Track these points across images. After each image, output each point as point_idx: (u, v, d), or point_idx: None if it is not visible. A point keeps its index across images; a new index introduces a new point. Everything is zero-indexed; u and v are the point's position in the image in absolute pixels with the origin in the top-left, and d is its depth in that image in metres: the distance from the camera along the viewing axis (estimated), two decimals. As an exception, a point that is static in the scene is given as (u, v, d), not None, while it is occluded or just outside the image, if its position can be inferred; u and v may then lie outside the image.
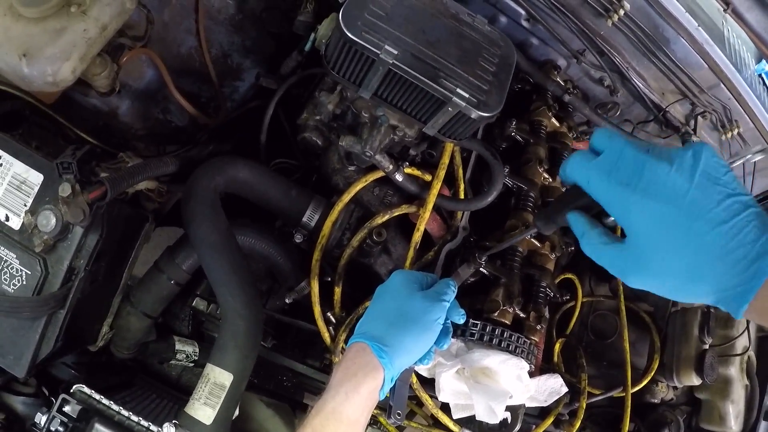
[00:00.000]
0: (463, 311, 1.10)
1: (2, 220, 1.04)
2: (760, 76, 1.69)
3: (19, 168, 1.04)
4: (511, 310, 1.28)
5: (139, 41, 1.22)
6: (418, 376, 1.27)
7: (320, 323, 1.29)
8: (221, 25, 1.46)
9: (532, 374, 1.26)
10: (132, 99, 1.33)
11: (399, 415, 1.09)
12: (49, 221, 0.99)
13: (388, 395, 1.07)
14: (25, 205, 1.03)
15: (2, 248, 1.04)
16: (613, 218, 0.72)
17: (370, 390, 0.95)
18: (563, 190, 1.43)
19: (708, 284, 0.67)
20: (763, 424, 1.76)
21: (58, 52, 0.97)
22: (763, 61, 1.70)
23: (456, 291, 1.10)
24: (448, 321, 1.09)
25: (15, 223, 1.04)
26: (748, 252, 0.64)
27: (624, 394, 1.58)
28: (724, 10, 1.63)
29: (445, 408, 1.28)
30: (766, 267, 0.63)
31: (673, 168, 0.67)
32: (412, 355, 1.02)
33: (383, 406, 1.27)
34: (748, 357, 1.78)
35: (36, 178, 1.03)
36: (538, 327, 1.31)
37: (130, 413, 1.09)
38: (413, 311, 1.03)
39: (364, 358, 0.97)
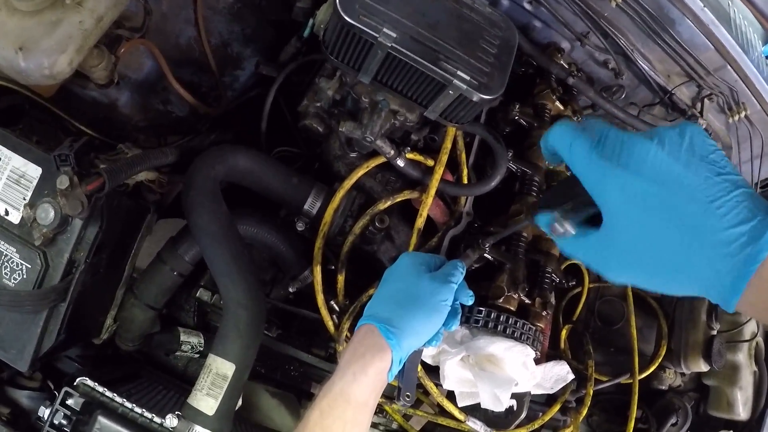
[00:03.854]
0: (471, 292, 1.09)
1: (2, 214, 1.04)
2: (767, 57, 1.67)
3: (17, 162, 1.03)
4: (516, 297, 1.27)
5: (136, 32, 1.21)
6: (423, 364, 1.27)
7: (323, 312, 1.28)
8: (220, 14, 1.45)
9: (538, 361, 1.25)
10: (131, 90, 1.32)
11: (408, 396, 1.08)
12: (47, 214, 0.99)
13: (396, 381, 1.06)
14: (24, 199, 1.03)
15: (2, 242, 1.04)
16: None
17: (378, 371, 0.94)
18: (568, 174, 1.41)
19: (694, 271, 0.61)
20: (772, 410, 1.74)
21: (54, 44, 0.96)
22: (771, 42, 1.68)
23: (464, 272, 1.09)
24: (457, 302, 1.08)
25: (14, 217, 1.04)
26: (739, 234, 0.58)
27: (631, 381, 1.57)
28: (730, -10, 1.61)
29: (451, 396, 1.28)
30: (759, 252, 0.57)
31: (657, 143, 0.62)
32: (421, 337, 1.02)
33: (389, 395, 1.27)
34: (757, 343, 1.76)
35: (34, 171, 1.03)
36: (544, 313, 1.30)
37: (134, 405, 1.08)
38: (421, 292, 1.03)
39: (371, 340, 0.96)
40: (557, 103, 1.49)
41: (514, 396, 1.22)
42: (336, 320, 1.30)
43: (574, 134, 0.69)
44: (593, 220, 0.72)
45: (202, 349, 1.40)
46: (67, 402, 1.06)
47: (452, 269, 1.08)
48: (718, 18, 1.40)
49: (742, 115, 1.59)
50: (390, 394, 1.15)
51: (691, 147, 0.63)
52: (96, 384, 1.09)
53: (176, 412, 1.08)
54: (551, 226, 0.73)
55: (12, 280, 1.04)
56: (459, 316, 1.09)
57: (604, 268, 0.69)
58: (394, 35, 1.04)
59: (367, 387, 0.93)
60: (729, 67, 1.49)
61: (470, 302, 1.10)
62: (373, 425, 1.41)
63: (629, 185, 0.63)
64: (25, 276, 1.03)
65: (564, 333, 1.56)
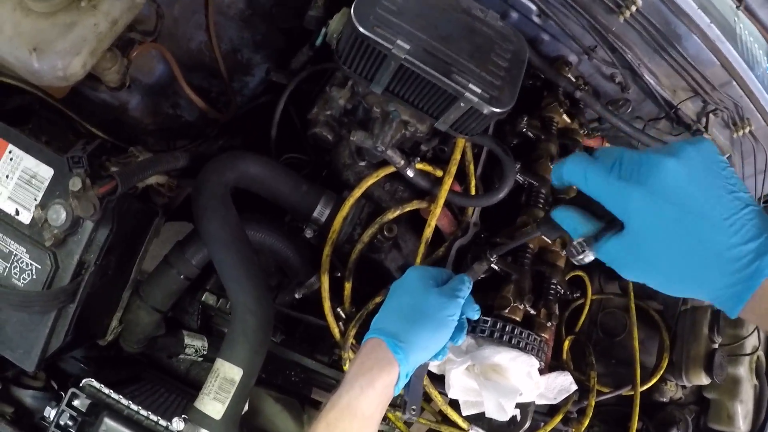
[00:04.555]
0: (477, 307, 1.10)
1: (12, 214, 1.04)
2: (772, 73, 1.68)
3: (29, 162, 1.04)
4: (521, 307, 1.27)
5: (149, 36, 1.22)
6: (428, 372, 1.27)
7: (330, 318, 1.29)
8: (231, 21, 1.46)
9: (541, 372, 1.25)
10: (142, 94, 1.32)
11: (414, 410, 1.09)
12: (59, 215, 0.99)
13: (402, 392, 1.07)
14: (36, 200, 1.03)
15: (12, 242, 1.04)
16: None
17: (385, 385, 0.95)
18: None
19: (704, 281, 0.66)
20: (771, 424, 1.75)
21: (68, 46, 0.97)
22: (776, 59, 1.69)
23: (471, 287, 1.10)
24: (463, 317, 1.09)
25: (25, 218, 1.04)
26: (747, 251, 0.63)
27: (633, 393, 1.57)
28: (737, 7, 1.62)
29: (455, 405, 1.28)
30: (764, 268, 0.62)
31: (675, 161, 0.65)
32: (428, 351, 1.03)
33: (394, 403, 1.28)
34: (758, 357, 1.76)
35: (46, 172, 1.03)
36: (548, 324, 1.30)
37: (140, 407, 1.09)
38: (428, 307, 1.03)
39: (379, 354, 0.97)
40: (564, 116, 1.50)
41: (518, 406, 1.22)
42: (342, 327, 1.30)
43: (587, 164, 0.72)
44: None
45: (205, 352, 1.40)
46: (73, 403, 1.06)
47: (459, 284, 1.09)
48: (725, 34, 1.42)
49: (747, 130, 1.60)
50: (393, 402, 1.15)
51: (703, 165, 0.66)
52: (102, 385, 1.10)
53: (183, 416, 1.08)
54: (568, 251, 0.76)
55: (21, 281, 1.04)
56: (465, 331, 1.10)
57: (621, 269, 0.72)
58: (408, 47, 1.05)
59: (374, 400, 0.94)
60: (734, 82, 1.50)
61: (476, 316, 1.11)
62: (376, 432, 1.42)
63: (649, 201, 0.66)
64: (34, 276, 1.03)
65: (567, 344, 1.56)
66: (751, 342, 1.74)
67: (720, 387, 1.70)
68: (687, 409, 1.77)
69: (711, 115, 1.58)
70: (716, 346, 1.65)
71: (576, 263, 0.76)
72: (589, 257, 0.75)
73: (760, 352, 1.76)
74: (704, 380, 1.63)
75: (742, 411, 1.70)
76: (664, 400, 1.76)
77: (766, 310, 0.64)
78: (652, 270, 0.70)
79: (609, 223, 0.73)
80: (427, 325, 1.01)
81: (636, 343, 1.62)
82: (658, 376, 1.66)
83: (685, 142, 0.67)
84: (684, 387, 1.77)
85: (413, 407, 1.09)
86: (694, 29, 1.39)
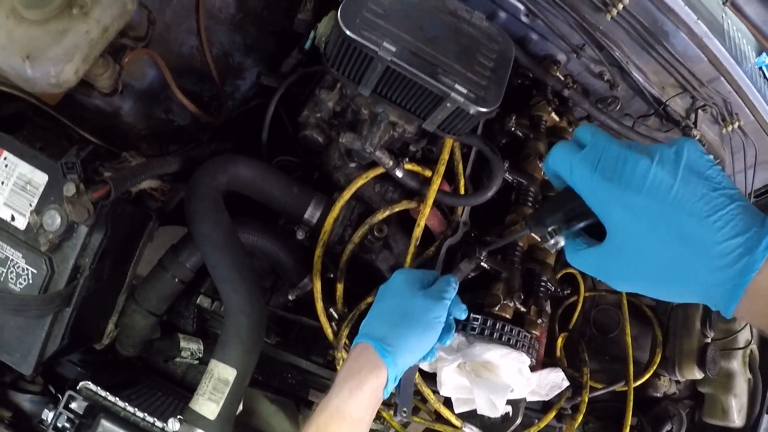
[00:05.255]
0: (464, 306, 1.11)
1: (8, 220, 1.06)
2: (760, 68, 1.69)
3: (24, 168, 1.05)
4: (511, 305, 1.28)
5: (140, 42, 1.23)
6: (420, 371, 1.28)
7: (323, 319, 1.30)
8: (222, 25, 1.47)
9: (533, 368, 1.26)
10: (134, 99, 1.33)
11: (405, 412, 1.10)
12: (54, 221, 1.01)
13: (393, 393, 1.08)
14: (31, 205, 1.04)
15: (8, 248, 1.05)
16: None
17: (374, 388, 0.96)
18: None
19: (693, 281, 0.65)
20: (766, 417, 1.75)
21: (60, 53, 0.98)
22: (764, 54, 1.71)
23: (457, 287, 1.11)
24: (451, 317, 1.10)
25: (21, 223, 1.05)
26: (735, 245, 0.62)
27: (626, 389, 1.58)
28: (724, 3, 1.64)
29: (447, 403, 1.29)
30: (754, 262, 0.61)
31: (656, 162, 0.65)
32: (416, 354, 1.04)
33: (388, 402, 1.29)
34: (751, 350, 1.78)
35: (41, 178, 1.04)
36: (539, 321, 1.31)
37: (136, 410, 1.10)
38: (415, 310, 1.05)
39: (367, 358, 0.98)
40: (553, 115, 1.51)
41: (509, 402, 1.23)
42: (335, 327, 1.31)
43: (573, 157, 0.72)
44: (592, 229, 0.74)
45: (201, 355, 1.41)
46: (70, 405, 1.08)
47: (445, 285, 1.10)
48: (712, 30, 1.43)
49: (736, 125, 1.61)
50: (388, 401, 1.17)
51: (687, 164, 0.66)
52: (99, 388, 1.11)
53: (178, 416, 1.09)
54: (542, 238, 0.76)
55: (18, 285, 1.05)
56: (453, 331, 1.12)
57: (608, 278, 0.72)
58: (394, 49, 1.07)
59: (363, 404, 0.95)
60: (722, 78, 1.51)
61: (463, 316, 1.12)
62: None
63: (631, 203, 0.66)
64: (30, 281, 1.05)
65: (560, 341, 1.57)
66: (744, 336, 1.75)
67: (714, 381, 1.72)
68: (681, 403, 1.79)
69: (700, 111, 1.60)
70: (709, 340, 1.66)
71: (549, 249, 0.77)
72: (560, 243, 0.76)
73: (753, 346, 1.77)
74: (697, 375, 1.64)
75: (737, 405, 1.71)
76: (658, 395, 1.77)
77: (761, 307, 0.62)
78: (638, 274, 0.69)
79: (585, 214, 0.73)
80: (414, 328, 1.03)
81: (629, 339, 1.63)
82: (652, 372, 1.67)
83: (668, 143, 0.68)
84: (678, 382, 1.78)
85: (404, 409, 1.11)
86: (681, 26, 1.40)
